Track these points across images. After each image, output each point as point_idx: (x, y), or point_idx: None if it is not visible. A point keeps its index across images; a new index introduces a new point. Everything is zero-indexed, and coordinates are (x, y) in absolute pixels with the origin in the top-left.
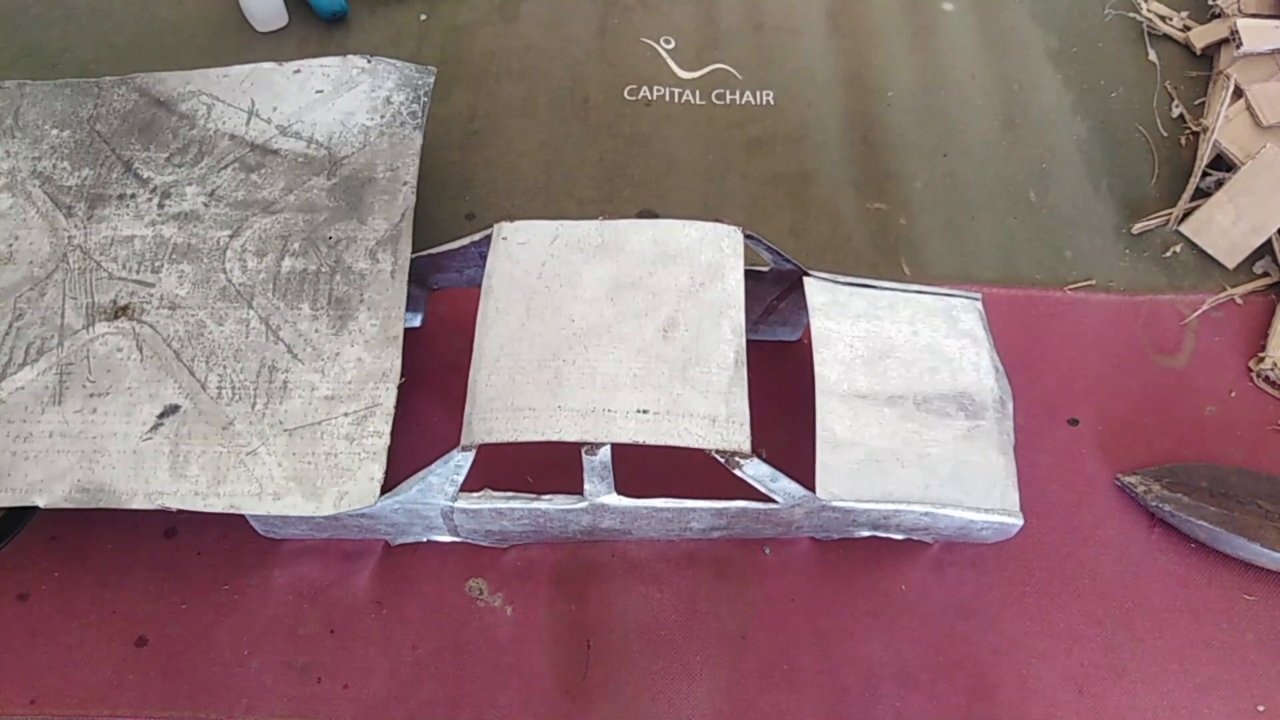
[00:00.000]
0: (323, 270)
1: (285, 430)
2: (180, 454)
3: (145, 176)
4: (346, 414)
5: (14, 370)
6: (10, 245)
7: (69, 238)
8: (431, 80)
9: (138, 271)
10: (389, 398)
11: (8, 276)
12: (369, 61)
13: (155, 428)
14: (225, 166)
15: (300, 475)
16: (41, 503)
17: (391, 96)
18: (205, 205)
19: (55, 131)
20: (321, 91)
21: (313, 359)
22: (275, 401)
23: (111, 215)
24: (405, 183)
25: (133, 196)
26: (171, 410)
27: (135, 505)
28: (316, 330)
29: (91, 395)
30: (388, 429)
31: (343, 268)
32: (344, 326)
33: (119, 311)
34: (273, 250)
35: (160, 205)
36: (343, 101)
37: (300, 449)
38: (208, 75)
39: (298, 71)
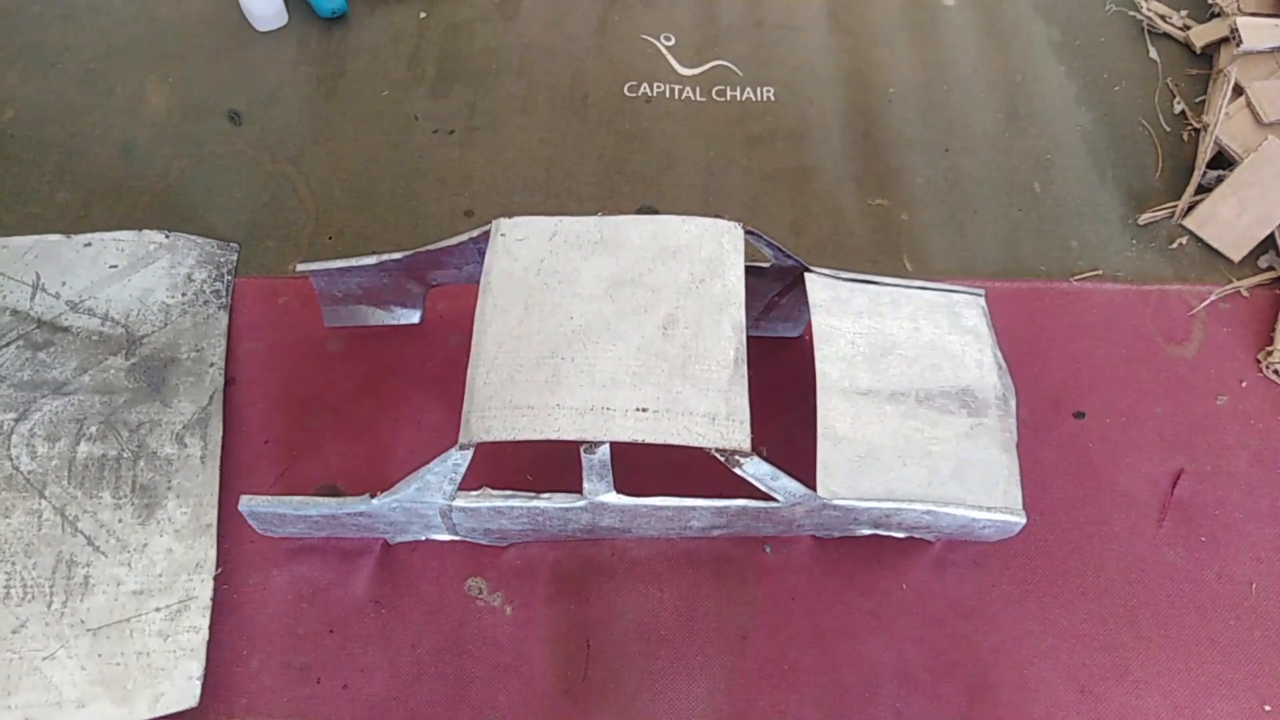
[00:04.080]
0: (124, 456)
1: (89, 630)
2: None
3: None
4: (158, 609)
5: None
6: None
7: None
8: (234, 258)
9: None
10: (204, 590)
11: None
12: (167, 237)
13: None
14: (7, 344)
15: (108, 678)
16: None
17: (193, 274)
18: None
19: None
20: (116, 266)
21: (117, 551)
22: (76, 599)
23: None
24: (212, 364)
25: None
26: None
27: None
28: (120, 520)
29: None
30: (205, 623)
31: (147, 453)
32: (151, 515)
33: None
34: (66, 434)
35: None
36: (139, 278)
37: (107, 649)
38: None
39: (89, 245)
